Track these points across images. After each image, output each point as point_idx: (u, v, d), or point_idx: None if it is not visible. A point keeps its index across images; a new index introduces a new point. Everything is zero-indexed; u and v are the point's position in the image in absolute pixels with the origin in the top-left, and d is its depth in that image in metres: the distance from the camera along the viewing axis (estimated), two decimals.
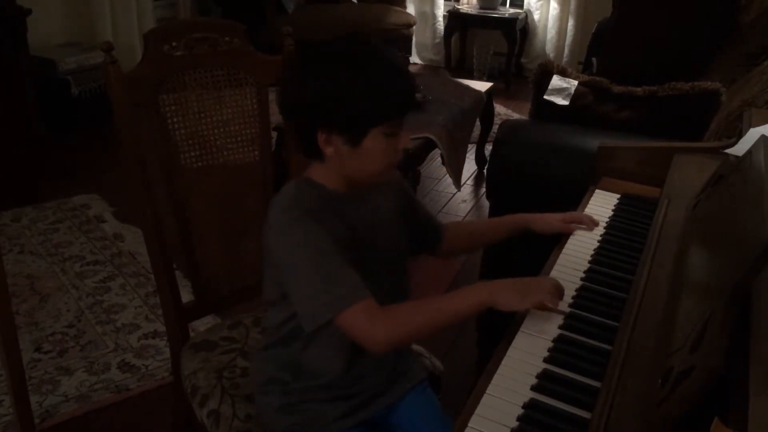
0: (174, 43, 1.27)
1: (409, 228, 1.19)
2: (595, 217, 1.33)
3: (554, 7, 5.20)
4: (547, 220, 1.26)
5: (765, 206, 0.81)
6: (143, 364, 2.06)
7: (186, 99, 1.31)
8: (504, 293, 0.97)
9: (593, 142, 1.60)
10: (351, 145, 0.98)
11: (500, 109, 4.46)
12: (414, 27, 5.31)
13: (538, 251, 1.24)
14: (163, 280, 1.35)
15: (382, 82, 0.97)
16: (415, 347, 1.34)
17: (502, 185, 2.00)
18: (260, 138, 1.42)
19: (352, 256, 1.01)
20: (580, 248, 1.22)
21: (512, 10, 5.35)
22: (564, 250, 1.22)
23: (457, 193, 3.38)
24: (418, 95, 3.02)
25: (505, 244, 1.99)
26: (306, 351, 1.09)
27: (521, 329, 1.00)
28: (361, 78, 0.96)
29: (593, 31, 3.77)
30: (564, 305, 1.05)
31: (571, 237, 1.26)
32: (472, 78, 4.22)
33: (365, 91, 0.96)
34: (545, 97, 2.02)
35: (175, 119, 1.31)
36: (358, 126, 0.97)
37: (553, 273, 1.14)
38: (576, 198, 1.42)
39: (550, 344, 0.96)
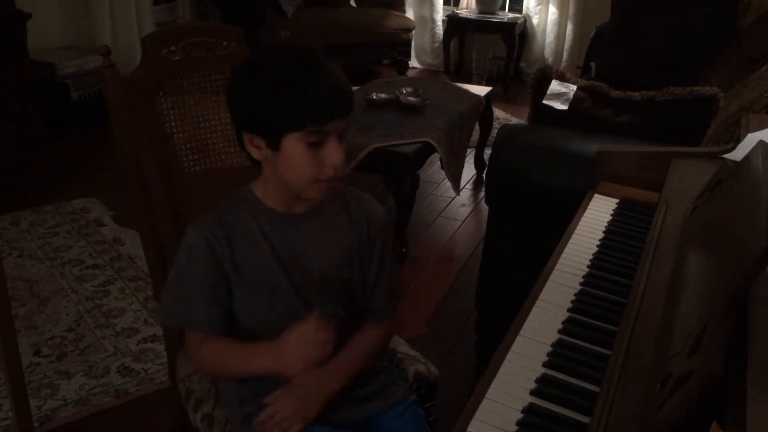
0: (172, 47, 1.27)
1: (364, 270, 1.14)
2: (594, 222, 1.34)
3: (553, 12, 5.22)
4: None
5: (763, 211, 0.82)
6: (142, 368, 2.06)
7: (184, 103, 1.31)
8: (280, 368, 1.00)
9: (592, 146, 1.61)
10: (272, 149, 0.99)
11: (499, 114, 4.46)
12: (413, 31, 5.32)
13: (539, 253, 1.24)
14: (160, 284, 1.35)
15: (299, 86, 0.96)
16: (411, 352, 1.33)
17: (501, 189, 2.00)
18: None
19: (270, 278, 1.06)
20: (579, 253, 1.23)
21: (511, 15, 5.36)
22: (563, 255, 1.22)
23: (456, 197, 3.38)
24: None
25: (504, 248, 2.00)
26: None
27: (520, 333, 1.00)
28: (279, 79, 0.96)
29: (592, 35, 3.78)
30: (563, 310, 1.05)
31: (570, 242, 1.26)
32: (470, 82, 4.22)
33: (279, 91, 0.96)
34: (544, 101, 2.03)
35: (173, 123, 1.31)
36: (273, 128, 0.98)
37: (552, 277, 1.14)
38: (574, 202, 1.42)
39: (550, 349, 0.96)
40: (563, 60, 5.25)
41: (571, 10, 5.13)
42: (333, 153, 0.98)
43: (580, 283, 1.13)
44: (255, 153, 1.02)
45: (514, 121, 4.45)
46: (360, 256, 1.14)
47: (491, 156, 2.01)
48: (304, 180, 1.00)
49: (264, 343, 1.02)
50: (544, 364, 0.93)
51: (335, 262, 1.11)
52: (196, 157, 1.35)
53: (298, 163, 0.99)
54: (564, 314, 1.04)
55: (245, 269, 1.06)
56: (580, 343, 0.98)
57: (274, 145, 0.99)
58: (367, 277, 1.16)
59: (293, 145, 0.97)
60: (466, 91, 3.44)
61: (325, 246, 1.10)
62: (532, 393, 0.87)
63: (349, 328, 1.15)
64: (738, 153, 1.32)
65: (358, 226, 1.13)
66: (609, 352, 0.93)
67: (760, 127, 1.36)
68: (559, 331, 1.00)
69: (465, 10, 5.48)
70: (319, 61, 0.99)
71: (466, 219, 3.22)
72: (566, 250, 1.24)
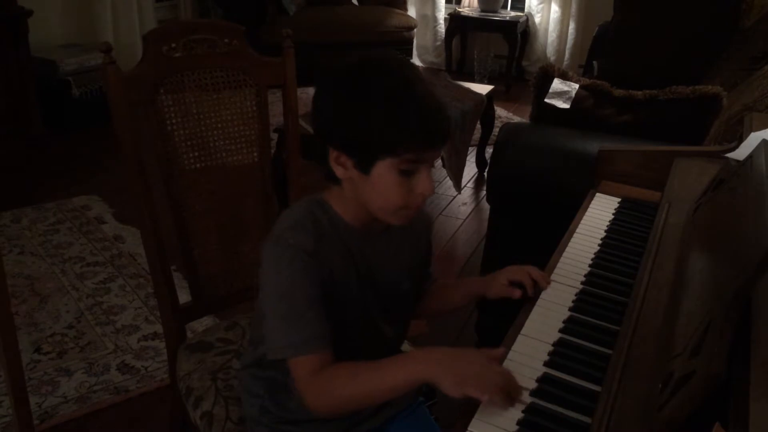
0: (173, 45, 1.27)
1: (418, 275, 1.15)
2: (596, 221, 1.33)
3: (555, 10, 5.21)
4: (493, 286, 1.12)
5: (766, 211, 0.81)
6: (143, 366, 2.05)
7: (185, 100, 1.31)
8: (441, 375, 0.85)
9: (594, 145, 1.60)
10: (361, 171, 0.92)
11: (501, 112, 4.46)
12: (415, 30, 5.32)
13: (540, 252, 1.24)
14: (160, 281, 1.35)
15: (399, 111, 0.88)
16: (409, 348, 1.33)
17: (503, 188, 1.99)
18: (259, 140, 1.42)
19: (345, 290, 0.99)
20: (581, 252, 1.22)
21: (513, 13, 5.35)
22: (564, 254, 1.21)
23: (458, 196, 3.38)
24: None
25: (505, 247, 2.00)
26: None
27: (521, 333, 0.99)
28: (376, 99, 0.89)
29: (594, 34, 3.77)
30: (564, 309, 1.05)
31: (571, 241, 1.26)
32: (472, 81, 4.20)
33: (378, 114, 0.88)
34: (546, 100, 2.02)
35: (174, 120, 1.31)
36: (366, 151, 0.91)
37: (554, 276, 1.14)
38: (576, 201, 1.42)
39: (551, 348, 0.96)
40: (565, 59, 5.24)
41: (574, 8, 5.12)
42: (425, 182, 0.93)
43: (582, 283, 1.12)
44: (339, 172, 0.94)
45: (516, 119, 4.45)
46: (419, 264, 1.13)
47: (493, 155, 2.01)
48: (390, 207, 0.94)
49: (402, 358, 0.93)
50: (546, 364, 0.92)
51: (402, 275, 1.08)
52: (196, 154, 1.35)
53: (388, 190, 0.92)
54: (565, 313, 1.04)
55: (327, 279, 0.97)
56: (582, 342, 0.97)
57: (365, 168, 0.92)
58: (424, 277, 1.17)
59: (385, 171, 0.91)
60: (468, 90, 3.44)
61: (395, 261, 1.07)
62: (533, 392, 0.87)
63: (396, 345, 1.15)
64: (741, 152, 1.31)
65: (419, 234, 1.12)
66: (610, 352, 0.93)
67: (764, 127, 1.36)
68: (560, 331, 1.00)
69: (467, 9, 5.47)
70: (422, 82, 0.92)
71: (467, 218, 3.22)
72: (568, 249, 1.23)
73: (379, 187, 0.92)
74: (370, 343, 1.07)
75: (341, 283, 0.99)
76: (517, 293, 1.09)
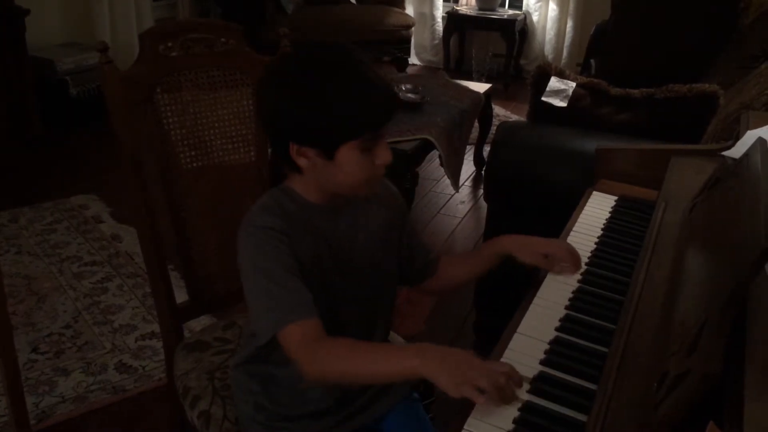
0: (170, 44, 1.27)
1: (396, 246, 1.16)
2: (593, 219, 1.33)
3: (553, 9, 5.21)
4: (531, 252, 1.15)
5: (762, 209, 0.81)
6: (140, 365, 2.05)
7: (182, 99, 1.31)
8: (437, 372, 0.84)
9: (591, 144, 1.60)
10: (324, 158, 0.96)
11: (498, 111, 4.46)
12: (413, 28, 5.31)
13: None
14: (157, 280, 1.35)
15: (353, 96, 0.92)
16: None
17: (500, 187, 2.00)
18: (256, 139, 1.41)
19: (321, 271, 1.01)
20: (578, 250, 1.22)
21: (511, 12, 5.35)
22: None
23: (456, 194, 3.38)
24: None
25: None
26: (287, 369, 1.02)
27: (518, 331, 0.99)
28: (330, 90, 0.92)
29: (592, 33, 3.77)
30: (561, 308, 1.05)
31: (568, 239, 1.26)
32: (470, 79, 4.21)
33: (334, 104, 0.92)
34: (543, 98, 2.02)
35: (171, 119, 1.30)
36: (329, 140, 0.94)
37: (551, 275, 1.14)
38: (573, 200, 1.42)
39: (547, 346, 0.96)
40: (563, 57, 5.24)
41: (572, 7, 5.12)
42: (384, 152, 0.97)
43: (578, 281, 1.12)
44: (302, 162, 0.97)
45: (514, 118, 4.44)
46: (391, 236, 1.14)
47: (490, 153, 2.01)
48: (356, 182, 0.98)
49: (401, 347, 0.96)
50: (542, 362, 0.93)
51: (372, 246, 1.10)
52: (193, 153, 1.35)
53: (353, 169, 0.96)
54: (562, 312, 1.04)
55: (302, 261, 1.00)
56: (578, 341, 0.97)
57: (328, 155, 0.95)
58: (402, 250, 1.17)
59: (348, 153, 0.94)
60: (466, 89, 3.44)
61: (365, 231, 1.09)
62: (529, 391, 0.87)
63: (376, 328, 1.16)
64: (737, 150, 1.31)
65: (386, 203, 1.14)
66: (606, 350, 0.93)
67: (760, 125, 1.36)
68: (556, 329, 1.00)
69: (465, 7, 5.46)
70: (363, 63, 0.95)
71: (465, 216, 3.22)
72: None
73: (344, 168, 0.96)
74: (357, 321, 1.09)
75: (315, 261, 1.01)
76: (555, 269, 1.14)
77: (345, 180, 0.98)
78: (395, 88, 1.00)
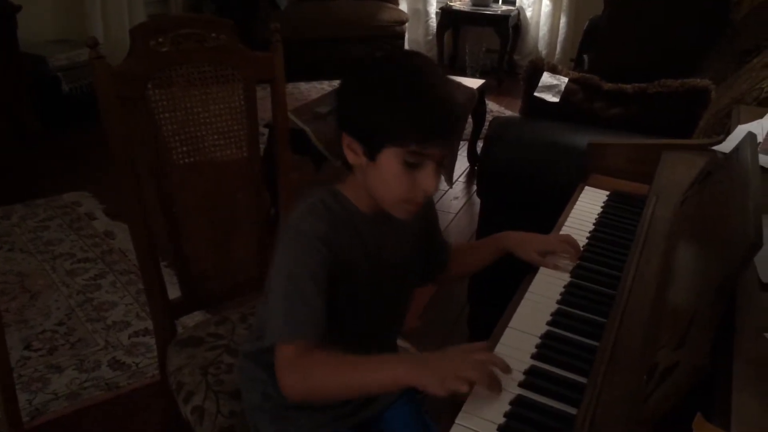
0: (160, 39, 1.26)
1: (424, 250, 1.18)
2: (584, 214, 1.34)
3: (546, 4, 5.21)
4: (526, 249, 1.18)
5: (750, 203, 0.82)
6: (133, 362, 2.05)
7: (173, 95, 1.30)
8: (421, 375, 0.84)
9: (583, 139, 1.61)
10: (369, 158, 0.95)
11: (492, 106, 4.46)
12: (406, 24, 5.31)
13: None
14: (149, 276, 1.35)
15: (405, 99, 0.91)
16: (402, 344, 1.34)
17: (494, 182, 2.00)
18: (248, 135, 1.41)
19: (356, 274, 1.02)
20: None
21: (504, 7, 5.35)
22: None
23: (449, 190, 3.38)
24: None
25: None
26: None
27: (509, 326, 1.00)
28: (389, 88, 0.91)
29: (585, 28, 3.77)
30: (552, 302, 1.05)
31: (560, 234, 1.26)
32: (464, 75, 4.21)
33: (386, 101, 0.91)
34: (535, 93, 2.02)
35: (163, 115, 1.30)
36: (372, 137, 0.94)
37: (542, 269, 1.14)
38: (566, 195, 1.42)
39: (538, 341, 0.96)
40: (557, 53, 5.25)
41: (565, 2, 5.12)
42: (428, 178, 0.94)
43: (570, 276, 1.13)
44: (351, 157, 0.97)
45: (508, 114, 4.45)
46: (422, 240, 1.16)
47: (483, 149, 2.01)
48: (393, 198, 0.97)
49: (384, 357, 0.95)
50: (533, 356, 0.93)
51: (405, 252, 1.11)
52: (186, 149, 1.34)
53: (391, 180, 0.94)
54: (553, 306, 1.04)
55: (340, 263, 0.99)
56: (569, 335, 0.98)
57: (372, 155, 0.94)
58: (429, 252, 1.20)
59: (390, 160, 0.93)
60: (460, 84, 3.43)
61: (402, 242, 1.10)
62: (520, 385, 0.87)
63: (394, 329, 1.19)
64: (728, 145, 1.32)
65: (423, 218, 1.14)
66: (597, 344, 0.93)
67: (751, 119, 1.36)
68: (548, 323, 1.00)
69: (458, 3, 5.46)
70: (436, 79, 0.94)
71: (458, 212, 3.22)
72: None
73: (384, 176, 0.95)
74: (380, 320, 1.12)
75: (351, 265, 1.01)
76: (549, 265, 1.15)
77: (383, 191, 0.97)
78: (459, 113, 0.98)
